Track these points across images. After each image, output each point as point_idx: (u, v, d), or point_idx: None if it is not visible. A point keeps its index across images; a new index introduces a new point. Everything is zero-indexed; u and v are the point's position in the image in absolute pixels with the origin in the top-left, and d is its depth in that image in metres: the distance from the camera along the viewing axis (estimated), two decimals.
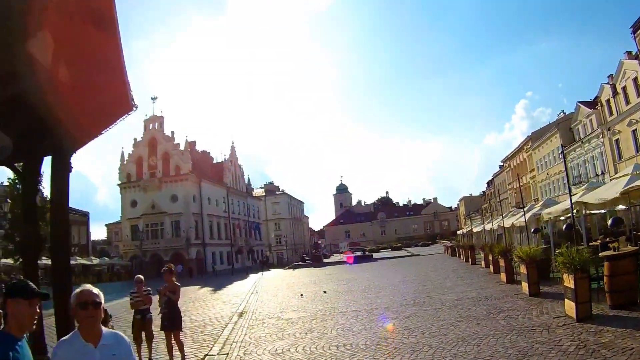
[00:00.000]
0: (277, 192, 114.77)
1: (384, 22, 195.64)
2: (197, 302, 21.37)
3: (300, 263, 60.28)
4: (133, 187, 64.13)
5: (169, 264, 10.26)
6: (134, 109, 7.04)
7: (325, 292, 20.05)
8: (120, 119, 7.20)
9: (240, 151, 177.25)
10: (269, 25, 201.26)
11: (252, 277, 41.88)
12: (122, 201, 64.69)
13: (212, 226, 68.14)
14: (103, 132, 7.81)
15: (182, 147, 64.54)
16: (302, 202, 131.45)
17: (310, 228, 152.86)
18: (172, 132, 65.40)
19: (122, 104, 7.00)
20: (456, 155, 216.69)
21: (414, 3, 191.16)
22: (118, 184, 65.03)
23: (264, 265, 75.15)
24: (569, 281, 9.19)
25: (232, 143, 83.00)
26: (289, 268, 55.74)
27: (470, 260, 29.69)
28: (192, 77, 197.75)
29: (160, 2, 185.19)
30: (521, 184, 38.38)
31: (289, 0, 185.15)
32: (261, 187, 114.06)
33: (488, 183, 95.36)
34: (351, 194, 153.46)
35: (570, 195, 14.47)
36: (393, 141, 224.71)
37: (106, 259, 62.66)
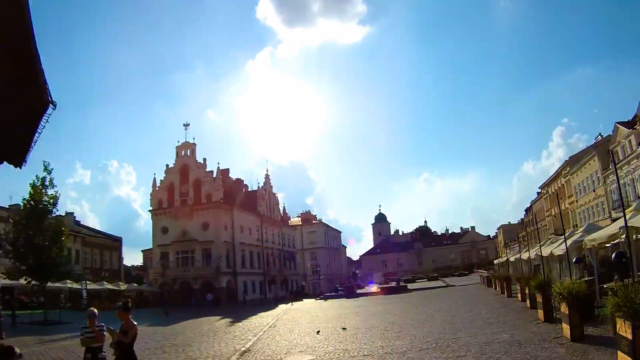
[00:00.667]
0: (314, 222, 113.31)
1: (420, 56, 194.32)
2: (206, 336, 19.81)
3: (333, 294, 58.18)
4: (164, 214, 63.71)
5: (125, 299, 8.74)
6: (52, 107, 5.59)
7: (344, 329, 18.20)
8: (40, 121, 5.77)
9: (279, 181, 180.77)
10: (308, 56, 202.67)
11: (280, 308, 40.29)
12: (153, 228, 64.28)
13: (245, 255, 66.84)
14: (33, 141, 6.39)
15: (214, 175, 63.91)
16: (339, 232, 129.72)
17: (349, 257, 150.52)
18: (204, 159, 65.03)
19: (36, 101, 5.57)
20: (494, 184, 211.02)
21: (449, 36, 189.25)
22: (149, 210, 64.78)
23: (297, 295, 73.45)
24: (624, 329, 7.20)
25: (267, 171, 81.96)
26: (321, 299, 53.84)
27: (505, 292, 27.41)
28: (228, 106, 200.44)
29: (200, 38, 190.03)
30: (560, 209, 35.93)
31: (324, 33, 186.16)
32: (297, 216, 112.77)
33: (526, 210, 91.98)
34: (390, 223, 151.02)
35: (625, 215, 12.12)
36: (431, 171, 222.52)
37: (135, 284, 61.90)
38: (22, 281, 30.14)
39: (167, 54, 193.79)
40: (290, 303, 48.69)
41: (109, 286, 52.32)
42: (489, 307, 21.92)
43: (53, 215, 30.15)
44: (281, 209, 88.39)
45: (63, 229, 30.14)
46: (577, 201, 53.99)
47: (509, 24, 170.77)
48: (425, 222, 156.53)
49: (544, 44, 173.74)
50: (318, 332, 17.83)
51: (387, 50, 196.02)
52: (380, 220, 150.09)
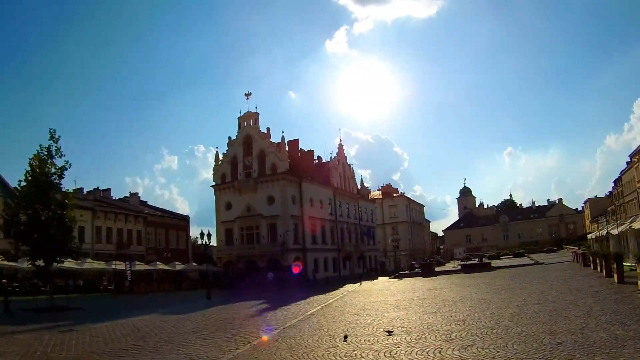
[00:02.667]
0: (395, 195, 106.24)
1: (497, 27, 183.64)
2: (201, 333, 14.44)
3: (408, 272, 51.64)
4: (227, 188, 59.68)
5: None
6: None
7: (390, 332, 12.14)
8: None
9: (365, 157, 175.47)
10: (384, 32, 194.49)
11: (343, 290, 34.94)
12: (217, 204, 60.39)
13: (315, 230, 61.52)
14: None
15: (280, 146, 58.85)
16: (422, 205, 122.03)
17: (433, 232, 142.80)
18: (268, 129, 59.93)
19: None
20: (577, 158, 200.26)
21: (525, 8, 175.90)
22: (212, 186, 61.02)
23: (373, 272, 67.60)
24: None
25: (340, 140, 75.63)
26: (394, 277, 47.64)
27: (615, 275, 20.13)
28: (309, 86, 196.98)
29: (275, 21, 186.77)
30: None
31: (398, 8, 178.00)
32: (378, 190, 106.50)
33: (615, 182, 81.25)
34: (475, 197, 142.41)
35: None
36: (514, 146, 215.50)
37: (194, 264, 58.36)
38: (25, 263, 26.42)
39: (243, 39, 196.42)
40: (359, 283, 43.15)
41: (163, 266, 49.06)
42: (599, 299, 15.16)
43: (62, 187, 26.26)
44: (358, 181, 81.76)
45: (66, 201, 25.99)
46: None
47: None
48: (511, 195, 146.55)
49: (617, 14, 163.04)
50: (345, 337, 11.82)
51: (463, 22, 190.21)
52: (465, 194, 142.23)
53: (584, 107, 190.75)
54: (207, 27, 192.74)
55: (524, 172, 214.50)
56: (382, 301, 22.18)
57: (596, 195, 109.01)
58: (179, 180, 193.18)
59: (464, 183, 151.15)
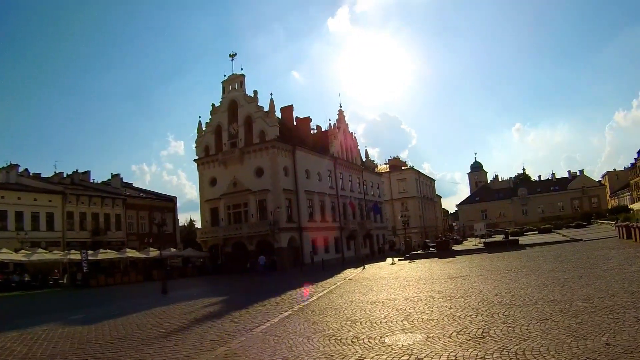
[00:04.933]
0: (403, 168, 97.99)
1: (503, 3, 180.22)
2: None
3: (421, 252, 43.91)
4: (211, 162, 52.12)
5: None
6: None
7: None
8: None
9: (373, 136, 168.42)
10: (386, 8, 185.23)
11: (340, 277, 27.53)
12: (200, 180, 52.95)
13: (313, 206, 53.75)
14: None
15: (268, 109, 50.79)
16: (432, 180, 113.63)
17: (444, 209, 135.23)
18: (255, 92, 51.80)
19: None
20: (586, 135, 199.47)
21: None
22: (195, 160, 53.42)
23: (380, 253, 60.35)
24: None
25: (340, 106, 67.15)
26: (406, 259, 40.00)
27: None
28: (313, 65, 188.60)
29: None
30: None
31: None
32: (385, 163, 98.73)
33: (639, 152, 73.98)
34: (486, 172, 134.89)
35: None
36: (523, 122, 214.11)
37: (172, 249, 50.51)
38: None
39: (245, 18, 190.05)
40: (362, 267, 35.62)
41: (132, 254, 41.47)
42: None
43: None
44: (362, 152, 73.58)
45: None
46: None
47: None
48: (524, 170, 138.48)
49: None
50: None
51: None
52: (477, 169, 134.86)
53: (593, 83, 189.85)
54: (209, 7, 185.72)
55: (533, 148, 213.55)
56: (385, 301, 14.49)
57: (615, 169, 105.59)
58: (186, 165, 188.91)
59: (475, 157, 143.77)
